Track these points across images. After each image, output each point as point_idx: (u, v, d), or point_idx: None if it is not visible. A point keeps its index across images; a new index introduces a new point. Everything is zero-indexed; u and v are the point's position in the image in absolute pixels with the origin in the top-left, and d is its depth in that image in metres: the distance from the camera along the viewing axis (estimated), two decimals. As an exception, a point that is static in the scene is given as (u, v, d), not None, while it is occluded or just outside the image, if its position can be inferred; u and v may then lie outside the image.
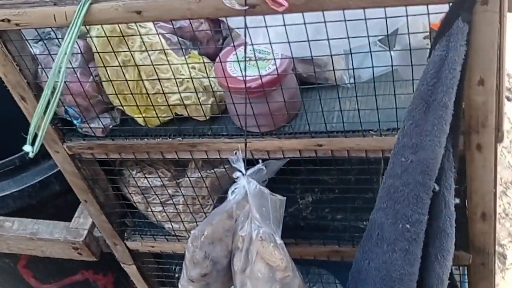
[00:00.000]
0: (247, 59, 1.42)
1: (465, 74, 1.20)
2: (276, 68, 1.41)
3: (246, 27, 1.27)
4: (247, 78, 1.38)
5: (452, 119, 1.23)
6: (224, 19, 1.45)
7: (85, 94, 1.52)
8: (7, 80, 1.53)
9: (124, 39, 1.40)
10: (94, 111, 1.57)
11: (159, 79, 1.43)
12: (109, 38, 1.41)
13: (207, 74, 1.49)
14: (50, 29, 1.56)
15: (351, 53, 1.37)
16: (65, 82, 1.43)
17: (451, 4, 1.14)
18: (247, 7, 1.20)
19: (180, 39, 1.57)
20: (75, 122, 1.61)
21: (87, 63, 1.53)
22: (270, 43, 1.33)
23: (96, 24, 1.37)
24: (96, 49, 1.46)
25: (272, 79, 1.41)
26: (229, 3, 1.19)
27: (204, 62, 1.52)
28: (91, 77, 1.53)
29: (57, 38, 1.50)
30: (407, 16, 1.21)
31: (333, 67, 1.39)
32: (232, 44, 1.49)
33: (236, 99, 1.45)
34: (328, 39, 1.29)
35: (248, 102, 1.41)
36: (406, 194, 1.31)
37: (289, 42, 1.32)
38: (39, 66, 1.54)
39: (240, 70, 1.41)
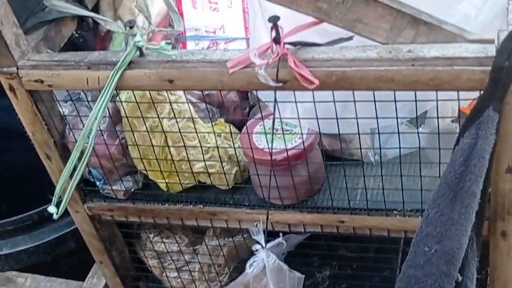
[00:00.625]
0: (274, 130, 1.42)
1: (492, 161, 1.19)
2: (303, 142, 1.42)
3: (275, 101, 1.27)
4: (273, 150, 1.39)
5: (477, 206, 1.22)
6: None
7: (110, 156, 1.53)
8: (35, 139, 1.54)
9: (154, 105, 1.41)
10: (117, 173, 1.57)
11: (185, 146, 1.44)
12: (139, 103, 1.42)
13: (233, 143, 1.49)
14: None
15: (378, 133, 1.37)
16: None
17: (482, 92, 1.14)
18: (280, 84, 1.21)
19: (208, 106, 1.58)
20: (97, 183, 1.61)
21: (114, 125, 1.54)
22: (298, 118, 1.34)
23: (127, 90, 1.39)
24: (125, 113, 1.48)
25: (298, 153, 1.41)
26: (264, 79, 1.20)
27: (231, 132, 1.53)
28: (118, 140, 1.54)
29: (87, 100, 1.52)
30: (437, 100, 1.21)
31: (360, 144, 1.39)
32: (259, 115, 1.49)
33: (260, 171, 1.45)
34: (356, 118, 1.29)
35: (272, 175, 1.40)
36: (429, 285, 1.28)
37: (317, 118, 1.33)
38: (67, 126, 1.55)
39: (267, 141, 1.42)
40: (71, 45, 1.61)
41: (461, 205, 1.20)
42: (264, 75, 1.19)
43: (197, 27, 1.63)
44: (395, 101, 1.23)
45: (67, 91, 1.55)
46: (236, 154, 1.53)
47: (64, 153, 1.56)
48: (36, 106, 1.47)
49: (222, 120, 1.59)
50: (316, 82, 1.20)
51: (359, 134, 1.33)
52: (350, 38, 1.24)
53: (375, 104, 1.24)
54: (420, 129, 1.45)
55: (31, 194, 2.00)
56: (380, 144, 1.43)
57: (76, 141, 1.46)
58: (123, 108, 1.49)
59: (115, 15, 1.67)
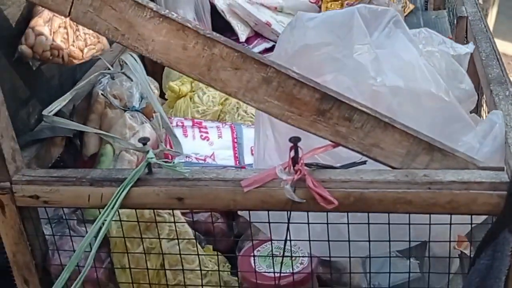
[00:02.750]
0: (274, 254, 1.40)
1: (509, 282, 1.22)
2: (311, 265, 1.39)
3: (288, 222, 1.27)
4: (275, 274, 1.36)
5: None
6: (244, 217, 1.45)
7: (98, 281, 1.44)
8: (14, 261, 1.44)
9: (156, 225, 1.37)
10: (102, 300, 1.47)
11: (183, 269, 1.38)
12: (137, 222, 1.37)
13: (219, 268, 1.45)
14: (61, 211, 1.52)
15: (370, 257, 1.38)
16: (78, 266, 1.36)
17: (497, 216, 1.19)
18: (304, 200, 1.21)
19: (196, 232, 1.55)
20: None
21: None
22: (290, 240, 1.31)
23: (132, 208, 1.34)
24: (115, 234, 1.42)
25: (303, 277, 1.38)
26: (289, 195, 1.20)
27: (218, 259, 1.49)
28: (104, 263, 1.47)
29: (66, 219, 1.46)
30: (450, 224, 1.25)
31: (350, 271, 1.38)
32: (251, 242, 1.47)
33: (259, 297, 1.40)
34: (349, 241, 1.29)
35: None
36: None
37: (309, 241, 1.31)
38: (50, 248, 1.46)
39: (268, 266, 1.39)
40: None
41: (480, 327, 1.21)
42: (289, 190, 1.19)
43: (188, 154, 1.63)
44: (388, 225, 1.24)
45: (46, 212, 1.48)
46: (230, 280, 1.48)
47: (44, 276, 1.45)
48: (23, 224, 1.39)
49: (210, 247, 1.55)
50: (335, 202, 1.21)
51: (349, 258, 1.32)
52: (364, 162, 1.28)
53: (368, 229, 1.25)
54: (412, 259, 1.48)
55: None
56: (370, 270, 1.43)
57: (61, 264, 1.38)
58: (111, 229, 1.43)
59: (103, 141, 1.64)
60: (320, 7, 2.68)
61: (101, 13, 1.21)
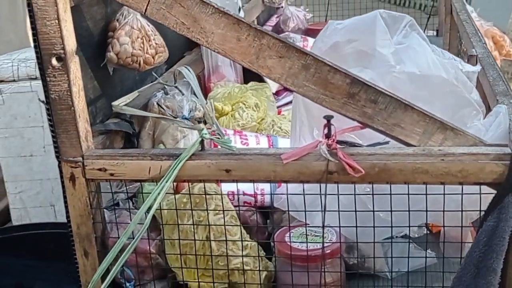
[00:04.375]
0: (305, 235, 1.59)
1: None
2: (339, 238, 1.57)
3: (326, 193, 1.46)
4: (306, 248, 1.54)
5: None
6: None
7: (150, 253, 1.62)
8: (78, 233, 1.63)
9: (205, 199, 1.57)
10: (151, 273, 1.65)
11: (226, 240, 1.57)
12: (190, 197, 1.58)
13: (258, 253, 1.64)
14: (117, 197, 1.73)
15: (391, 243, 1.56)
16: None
17: (501, 184, 1.38)
18: (336, 161, 1.42)
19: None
20: (127, 285, 1.68)
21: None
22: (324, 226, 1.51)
23: (185, 179, 1.55)
24: (163, 212, 1.62)
25: (334, 249, 1.56)
26: (324, 154, 1.41)
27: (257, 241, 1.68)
28: (158, 236, 1.66)
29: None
30: (462, 194, 1.44)
31: (374, 255, 1.56)
32: (287, 224, 1.67)
33: (290, 268, 1.57)
34: (373, 211, 1.49)
35: (304, 271, 1.54)
36: None
37: (339, 227, 1.51)
38: (108, 222, 1.66)
39: (301, 241, 1.58)
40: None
41: (484, 281, 1.37)
42: (325, 151, 1.40)
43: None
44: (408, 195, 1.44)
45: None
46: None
47: (102, 250, 1.64)
48: (89, 197, 1.60)
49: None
50: (362, 171, 1.42)
51: (374, 243, 1.51)
52: (387, 143, 1.49)
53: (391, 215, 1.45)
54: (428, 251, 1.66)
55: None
56: (391, 256, 1.61)
57: (118, 237, 1.57)
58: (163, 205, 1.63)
59: (156, 141, 1.88)
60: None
61: (172, 10, 1.47)
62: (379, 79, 1.50)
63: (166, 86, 1.94)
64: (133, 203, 1.78)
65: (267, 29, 1.46)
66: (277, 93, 2.98)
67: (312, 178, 1.46)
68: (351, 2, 4.22)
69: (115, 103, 1.71)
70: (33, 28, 1.48)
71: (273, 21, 3.86)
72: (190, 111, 1.91)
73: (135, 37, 1.76)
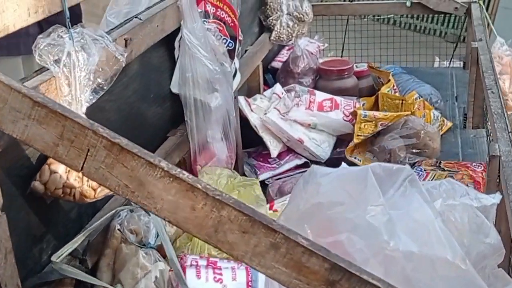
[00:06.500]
0: None
1: None
2: None
3: None
4: None
5: None
6: None
7: None
8: None
9: None
10: None
11: None
12: None
13: None
14: None
15: None
16: None
17: None
18: None
19: None
20: None
21: None
22: None
23: None
24: None
25: None
26: None
27: None
28: None
29: None
30: None
31: None
32: None
33: None
34: None
35: None
36: None
37: None
38: None
39: None
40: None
41: None
42: None
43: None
44: None
45: None
46: None
47: None
48: None
49: None
50: None
51: None
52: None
53: None
54: None
55: None
56: None
57: None
58: None
59: (115, 278, 1.62)
60: (353, 125, 2.67)
61: (113, 170, 1.21)
62: (370, 252, 1.22)
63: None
64: None
65: (228, 198, 1.18)
66: (279, 156, 2.71)
67: None
68: (370, 30, 3.87)
69: (55, 256, 1.45)
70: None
71: (283, 55, 3.56)
72: (157, 236, 1.65)
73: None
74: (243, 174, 2.65)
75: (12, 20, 1.28)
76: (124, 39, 1.68)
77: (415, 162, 2.54)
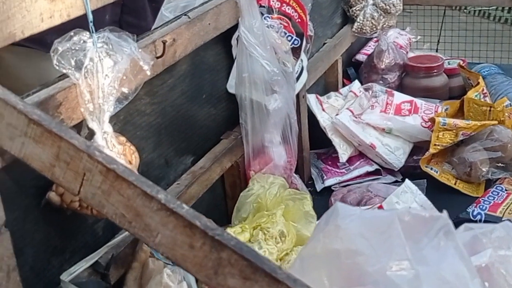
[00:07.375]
0: None
1: None
2: None
3: None
4: None
5: None
6: None
7: None
8: None
9: None
10: None
11: None
12: None
13: None
14: None
15: None
16: None
17: None
18: None
19: None
20: None
21: None
22: None
23: None
24: None
25: None
26: None
27: None
28: None
29: None
30: None
31: None
32: None
33: None
34: None
35: None
36: None
37: None
38: None
39: None
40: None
41: None
42: None
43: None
44: None
45: None
46: None
47: None
48: None
49: None
50: None
51: None
52: None
53: None
54: None
55: None
56: None
57: None
58: None
59: (142, 292, 1.54)
60: (432, 131, 2.44)
61: (110, 197, 1.11)
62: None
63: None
64: None
65: (230, 239, 1.05)
66: (349, 161, 2.53)
67: None
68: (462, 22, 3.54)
69: (65, 273, 1.37)
70: None
71: (369, 47, 3.35)
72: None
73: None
74: (309, 178, 2.50)
75: (20, 27, 1.20)
76: (162, 41, 1.56)
77: (498, 179, 2.29)
